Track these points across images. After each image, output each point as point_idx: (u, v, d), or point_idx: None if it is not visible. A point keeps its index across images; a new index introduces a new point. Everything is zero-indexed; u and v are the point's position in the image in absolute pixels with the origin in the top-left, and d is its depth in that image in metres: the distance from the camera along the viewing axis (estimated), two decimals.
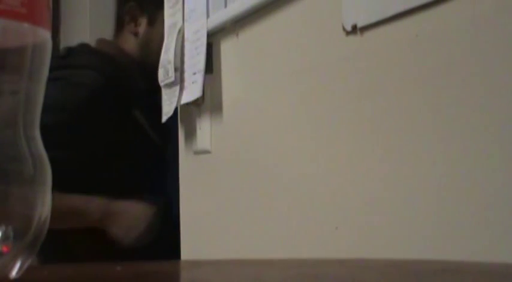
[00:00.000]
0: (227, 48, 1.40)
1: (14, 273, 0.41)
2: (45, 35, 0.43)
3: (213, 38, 1.43)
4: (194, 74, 1.40)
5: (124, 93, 2.05)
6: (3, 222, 0.40)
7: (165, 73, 1.49)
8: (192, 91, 1.41)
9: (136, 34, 2.12)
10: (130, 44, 2.12)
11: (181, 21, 1.46)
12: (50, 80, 0.45)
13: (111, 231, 1.93)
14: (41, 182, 0.43)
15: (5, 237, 0.40)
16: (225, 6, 1.38)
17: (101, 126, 1.96)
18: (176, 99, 1.45)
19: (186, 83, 1.41)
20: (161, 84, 1.52)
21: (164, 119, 1.51)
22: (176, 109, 1.55)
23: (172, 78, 1.45)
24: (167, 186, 2.03)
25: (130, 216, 1.96)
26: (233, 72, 1.38)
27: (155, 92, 2.02)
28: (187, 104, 1.49)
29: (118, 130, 2.00)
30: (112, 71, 2.04)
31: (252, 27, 1.29)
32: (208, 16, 1.41)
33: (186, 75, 1.41)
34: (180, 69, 1.44)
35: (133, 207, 1.97)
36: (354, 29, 1.00)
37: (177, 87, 1.45)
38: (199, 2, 1.41)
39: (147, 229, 1.94)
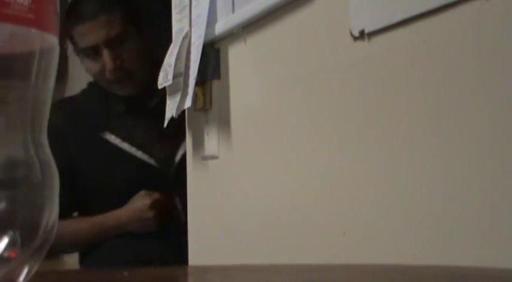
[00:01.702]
0: (235, 53, 1.40)
1: (21, 278, 0.41)
2: (53, 40, 0.43)
3: (221, 44, 1.44)
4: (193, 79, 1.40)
5: (89, 122, 2.21)
6: (10, 228, 0.40)
7: (164, 76, 1.49)
8: (189, 99, 1.41)
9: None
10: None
11: (188, 27, 1.46)
12: None
13: (130, 229, 2.12)
14: (49, 187, 0.43)
15: (13, 242, 0.40)
16: (233, 11, 1.38)
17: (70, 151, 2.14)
18: (177, 104, 1.45)
19: (189, 89, 1.41)
20: (159, 86, 1.52)
21: (165, 123, 1.51)
22: (183, 114, 1.55)
23: (170, 82, 1.45)
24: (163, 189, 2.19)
25: (136, 210, 2.13)
26: (241, 77, 1.38)
27: (134, 111, 2.22)
28: (194, 110, 1.49)
29: (87, 152, 2.18)
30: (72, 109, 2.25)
31: (259, 33, 1.29)
32: (215, 22, 1.41)
33: (190, 80, 1.41)
34: (184, 74, 1.44)
35: (134, 203, 2.15)
36: (362, 35, 1.00)
37: (179, 93, 1.45)
38: (204, 8, 1.41)
39: (155, 215, 2.12)
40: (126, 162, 2.18)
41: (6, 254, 0.39)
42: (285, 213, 1.21)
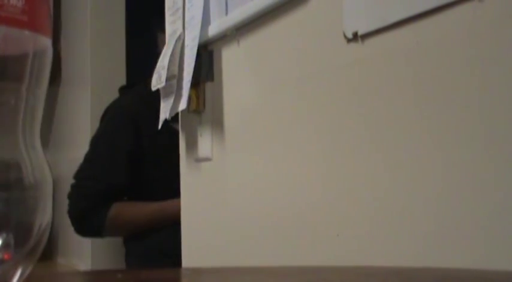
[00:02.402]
0: (228, 55, 1.40)
1: (14, 280, 0.41)
2: (46, 42, 0.43)
3: (214, 46, 1.44)
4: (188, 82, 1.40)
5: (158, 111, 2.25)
6: (4, 230, 0.40)
7: (158, 78, 1.49)
8: (184, 101, 1.41)
9: None
10: None
11: (181, 29, 1.46)
12: None
13: None
14: (42, 189, 0.43)
15: (6, 244, 0.40)
16: (226, 13, 1.38)
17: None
18: (171, 106, 1.46)
19: (183, 91, 1.41)
20: (153, 88, 1.52)
21: (159, 125, 1.51)
22: (177, 116, 1.55)
23: (164, 84, 1.45)
24: None
25: None
26: (234, 79, 1.38)
27: None
28: (188, 111, 1.49)
29: (156, 138, 2.24)
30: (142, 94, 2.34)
31: (253, 35, 1.29)
32: (209, 24, 1.41)
33: (184, 82, 1.41)
34: (177, 77, 1.44)
35: None
36: (355, 37, 1.00)
37: (173, 95, 1.45)
38: (198, 10, 1.41)
39: None
40: None
41: None
42: (278, 215, 1.21)
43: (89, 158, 2.35)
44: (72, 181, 2.34)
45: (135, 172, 2.25)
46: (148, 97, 2.31)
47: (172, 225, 2.17)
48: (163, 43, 2.15)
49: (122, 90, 2.53)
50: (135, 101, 2.34)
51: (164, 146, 2.22)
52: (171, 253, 2.09)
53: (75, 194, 2.31)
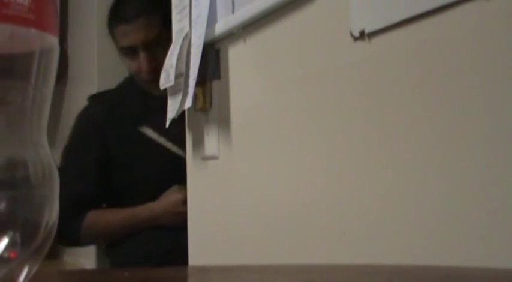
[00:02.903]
0: (235, 53, 1.40)
1: (21, 278, 0.41)
2: (53, 41, 0.43)
3: (221, 44, 1.44)
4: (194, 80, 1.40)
5: (127, 115, 2.30)
6: (10, 228, 0.40)
7: (166, 77, 1.49)
8: (190, 99, 1.41)
9: None
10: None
11: (188, 27, 1.46)
12: None
13: (163, 223, 2.18)
14: (49, 188, 0.43)
15: (13, 243, 0.40)
16: (233, 12, 1.38)
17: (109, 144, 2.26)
18: (179, 105, 1.46)
19: (189, 89, 1.41)
20: (161, 87, 1.52)
21: (167, 124, 1.51)
22: (183, 114, 1.55)
23: (172, 82, 1.45)
24: None
25: (170, 204, 2.18)
26: (241, 78, 1.38)
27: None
28: (194, 110, 1.49)
29: (124, 144, 2.24)
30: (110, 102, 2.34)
31: (259, 33, 1.29)
32: (215, 22, 1.41)
33: (190, 81, 1.41)
34: (184, 75, 1.44)
35: (168, 197, 2.20)
36: (362, 35, 1.00)
37: (181, 93, 1.45)
38: (204, 8, 1.41)
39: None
40: (162, 156, 2.23)
41: (6, 254, 0.40)
42: (285, 213, 1.21)
43: (59, 169, 2.34)
44: None
45: (106, 180, 2.25)
46: (118, 104, 2.32)
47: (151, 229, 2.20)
48: (124, 35, 2.18)
49: (91, 98, 2.53)
50: (103, 108, 2.32)
51: (135, 152, 2.23)
52: (153, 254, 2.10)
53: None
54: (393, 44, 0.95)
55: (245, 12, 1.31)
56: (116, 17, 2.23)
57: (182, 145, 2.20)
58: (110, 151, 2.23)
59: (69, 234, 2.25)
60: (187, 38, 1.46)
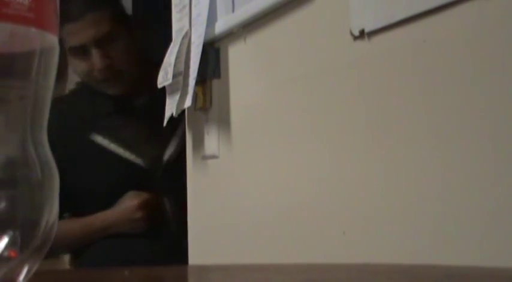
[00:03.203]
0: (235, 53, 1.40)
1: (21, 278, 0.41)
2: (53, 39, 0.43)
3: (221, 43, 1.44)
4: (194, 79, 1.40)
5: (76, 123, 2.22)
6: (10, 228, 0.40)
7: (164, 75, 1.49)
8: (189, 98, 1.41)
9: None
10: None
11: (187, 26, 1.46)
12: None
13: (119, 230, 2.11)
14: (49, 187, 0.43)
15: (13, 242, 0.40)
16: (233, 10, 1.38)
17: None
18: (176, 103, 1.45)
19: (189, 88, 1.41)
20: (159, 85, 1.52)
21: (164, 122, 1.51)
22: (183, 114, 1.55)
23: (170, 81, 1.45)
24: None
25: (125, 210, 2.12)
26: (241, 77, 1.38)
27: (122, 111, 2.20)
28: (194, 109, 1.49)
29: (75, 155, 2.16)
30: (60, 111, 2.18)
31: (259, 32, 1.29)
32: (215, 21, 1.41)
33: (189, 80, 1.41)
34: (184, 74, 1.44)
35: (122, 204, 2.13)
36: (362, 34, 1.00)
37: (179, 92, 1.45)
38: (204, 7, 1.41)
39: (144, 215, 2.11)
40: (114, 163, 2.16)
41: (6, 254, 0.39)
42: (285, 212, 1.21)
43: None
44: None
45: (63, 191, 2.20)
46: (68, 113, 2.22)
47: (114, 236, 2.13)
48: (71, 34, 2.10)
49: None
50: (52, 119, 2.27)
51: (86, 161, 2.17)
52: (112, 264, 2.05)
53: None
54: (393, 43, 0.95)
55: (245, 11, 1.31)
56: (61, 17, 2.15)
57: (134, 150, 2.18)
58: (61, 162, 2.17)
59: None
60: (187, 37, 1.46)
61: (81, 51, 2.11)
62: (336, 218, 1.06)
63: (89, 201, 2.18)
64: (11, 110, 0.41)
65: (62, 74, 3.43)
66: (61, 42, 0.44)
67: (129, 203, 2.12)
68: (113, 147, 2.16)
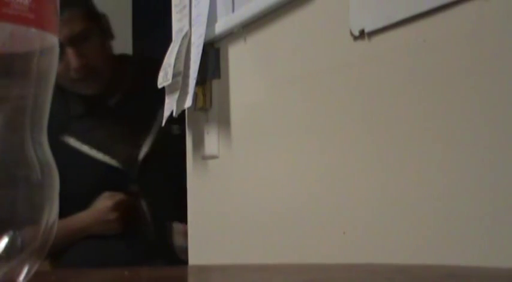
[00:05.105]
0: (235, 53, 1.40)
1: (21, 278, 0.41)
2: (53, 40, 0.43)
3: (221, 43, 1.44)
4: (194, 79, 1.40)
5: (49, 128, 2.17)
6: (11, 228, 0.40)
7: (164, 75, 1.49)
8: (190, 98, 1.41)
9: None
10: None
11: (187, 26, 1.46)
12: None
13: (95, 232, 2.12)
14: (49, 187, 0.43)
15: (13, 242, 0.40)
16: (233, 11, 1.38)
17: None
18: (176, 103, 1.45)
19: (189, 88, 1.41)
20: (159, 86, 1.52)
21: (163, 123, 1.51)
22: (183, 114, 1.55)
23: (170, 81, 1.45)
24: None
25: (99, 212, 2.13)
26: (241, 77, 1.38)
27: (94, 112, 2.18)
28: (194, 109, 1.49)
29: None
30: None
31: (260, 32, 1.29)
32: (215, 21, 1.41)
33: (190, 80, 1.41)
34: (183, 74, 1.44)
35: (96, 205, 2.14)
36: (362, 34, 1.00)
37: (178, 92, 1.45)
38: (204, 8, 1.41)
39: (119, 216, 2.11)
40: (86, 165, 2.15)
41: (6, 254, 0.39)
42: (285, 212, 1.21)
43: None
44: None
45: None
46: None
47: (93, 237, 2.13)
48: None
49: None
50: None
51: (59, 163, 2.15)
52: (89, 265, 2.04)
53: None
54: (393, 43, 0.95)
55: (245, 11, 1.31)
56: None
57: (108, 151, 2.16)
58: None
59: None
60: (187, 37, 1.46)
61: None
62: (336, 218, 1.06)
63: (64, 203, 2.17)
64: (10, 110, 0.41)
65: None
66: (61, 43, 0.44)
67: (103, 204, 2.11)
68: (85, 149, 2.15)
